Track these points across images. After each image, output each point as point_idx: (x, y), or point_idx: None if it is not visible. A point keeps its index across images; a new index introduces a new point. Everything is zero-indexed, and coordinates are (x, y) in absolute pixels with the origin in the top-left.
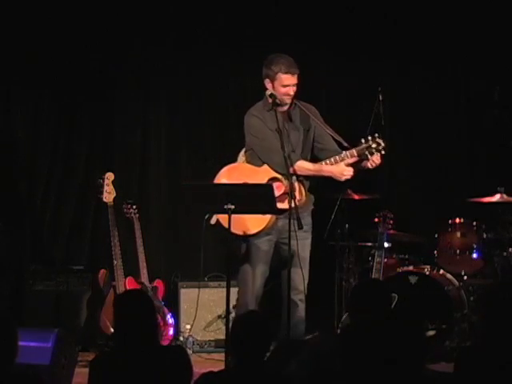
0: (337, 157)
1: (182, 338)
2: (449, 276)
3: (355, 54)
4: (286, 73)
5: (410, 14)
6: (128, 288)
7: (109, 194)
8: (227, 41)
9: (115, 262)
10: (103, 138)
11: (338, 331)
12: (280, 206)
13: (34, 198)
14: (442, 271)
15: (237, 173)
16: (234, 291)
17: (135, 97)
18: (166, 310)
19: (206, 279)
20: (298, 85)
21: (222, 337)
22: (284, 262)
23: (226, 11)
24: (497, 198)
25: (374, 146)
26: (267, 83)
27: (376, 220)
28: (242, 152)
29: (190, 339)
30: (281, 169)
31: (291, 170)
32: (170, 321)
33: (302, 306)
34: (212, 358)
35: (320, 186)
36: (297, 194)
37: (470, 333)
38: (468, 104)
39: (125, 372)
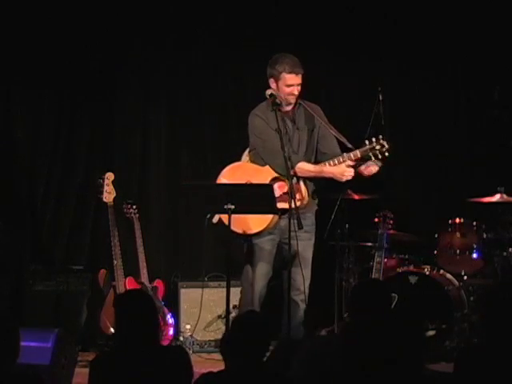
0: (340, 157)
1: (181, 338)
2: (449, 276)
3: (355, 54)
4: (290, 72)
5: (410, 14)
6: (128, 288)
7: (109, 194)
8: (227, 41)
9: (115, 262)
10: (103, 138)
11: (338, 331)
12: (282, 205)
13: (34, 198)
14: (442, 271)
15: (240, 172)
16: (234, 291)
17: (135, 97)
18: (165, 310)
19: (206, 279)
20: (302, 84)
21: None
22: (286, 262)
23: (226, 11)
24: (497, 198)
25: (377, 147)
26: (271, 83)
27: (376, 220)
28: (246, 152)
29: (190, 339)
30: (282, 171)
31: (292, 172)
32: (170, 321)
33: (302, 307)
34: (212, 358)
35: (320, 186)
36: (299, 194)
37: (470, 333)
38: (468, 104)
39: (125, 372)
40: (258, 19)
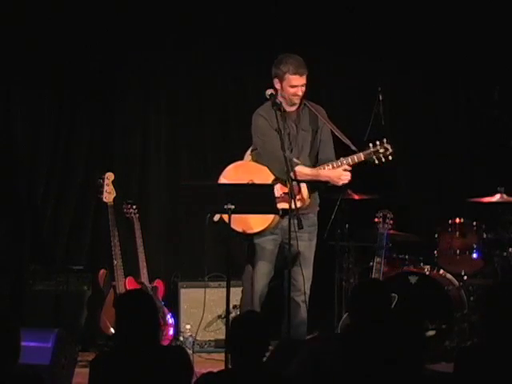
0: (339, 161)
1: (181, 338)
2: (449, 276)
3: (355, 54)
4: (295, 73)
5: (410, 14)
6: (128, 288)
7: (109, 194)
8: (227, 41)
9: (115, 262)
10: (103, 138)
11: (338, 331)
12: (283, 206)
13: (34, 198)
14: (442, 271)
15: (243, 171)
16: (234, 291)
17: (135, 97)
18: (165, 310)
19: (206, 279)
20: (306, 85)
21: (222, 337)
22: (288, 262)
23: (226, 11)
24: (497, 198)
25: (381, 150)
26: (276, 83)
27: (376, 220)
28: (249, 151)
29: (190, 339)
30: (280, 174)
31: (291, 173)
32: (170, 321)
33: (303, 307)
34: (212, 358)
35: (320, 187)
36: (300, 194)
37: (470, 333)
38: (468, 104)
39: (125, 372)
40: (258, 19)
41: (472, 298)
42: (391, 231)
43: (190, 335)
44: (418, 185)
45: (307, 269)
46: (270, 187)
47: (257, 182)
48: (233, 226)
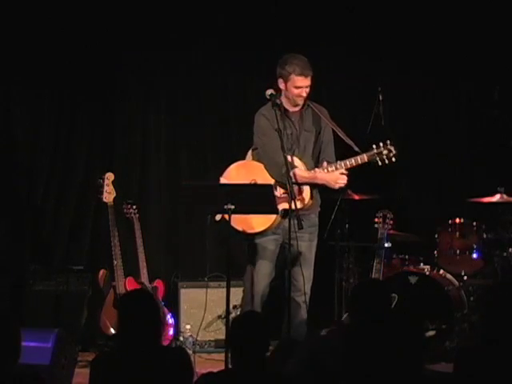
0: (341, 163)
1: (181, 338)
2: (449, 276)
3: (355, 54)
4: (300, 75)
5: (409, 14)
6: (128, 288)
7: (109, 194)
8: (227, 41)
9: (115, 262)
10: (103, 138)
11: (338, 331)
12: (284, 206)
13: (34, 198)
14: (442, 271)
15: (245, 170)
16: (234, 291)
17: (135, 97)
18: (166, 310)
19: (206, 279)
20: (311, 86)
21: (222, 337)
22: (289, 262)
23: (226, 11)
24: (497, 198)
25: (385, 152)
26: (280, 83)
27: (376, 220)
28: (251, 150)
29: (190, 339)
30: (278, 177)
31: (291, 173)
32: (170, 321)
33: (304, 308)
34: (212, 358)
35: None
36: (300, 195)
37: (470, 333)
38: (468, 104)
39: (126, 372)
40: (258, 19)
41: (472, 298)
42: (391, 231)
43: (190, 335)
44: (418, 185)
45: (308, 269)
46: (270, 187)
47: (259, 181)
48: (233, 224)
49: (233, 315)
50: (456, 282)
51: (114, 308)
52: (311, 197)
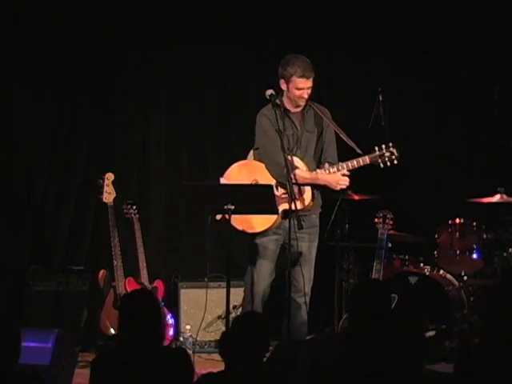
0: (343, 164)
1: (181, 339)
2: (449, 276)
3: (355, 54)
4: (301, 76)
5: (409, 13)
6: (128, 288)
7: (109, 195)
8: (227, 40)
9: (115, 263)
10: (103, 138)
11: (338, 331)
12: (285, 207)
13: (33, 198)
14: (442, 271)
15: (246, 170)
16: (234, 291)
17: (135, 97)
18: (166, 310)
19: (206, 279)
20: (312, 87)
21: None
22: (289, 262)
23: (226, 11)
24: (497, 198)
25: (387, 154)
26: (282, 83)
27: (376, 220)
28: (252, 150)
29: (190, 339)
30: (279, 178)
31: (292, 174)
32: (170, 321)
33: (304, 308)
34: (212, 358)
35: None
36: (304, 196)
37: (470, 333)
38: (468, 104)
39: (126, 372)
40: (259, 19)
41: (472, 299)
42: (391, 231)
43: (190, 336)
44: (418, 185)
45: (308, 270)
46: (270, 188)
47: (261, 181)
48: (233, 224)
49: (233, 315)
50: (456, 283)
51: (114, 308)
52: (312, 198)
